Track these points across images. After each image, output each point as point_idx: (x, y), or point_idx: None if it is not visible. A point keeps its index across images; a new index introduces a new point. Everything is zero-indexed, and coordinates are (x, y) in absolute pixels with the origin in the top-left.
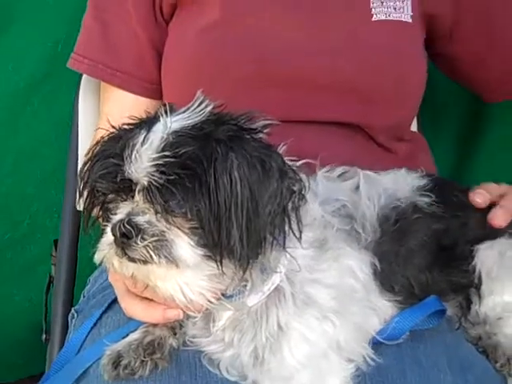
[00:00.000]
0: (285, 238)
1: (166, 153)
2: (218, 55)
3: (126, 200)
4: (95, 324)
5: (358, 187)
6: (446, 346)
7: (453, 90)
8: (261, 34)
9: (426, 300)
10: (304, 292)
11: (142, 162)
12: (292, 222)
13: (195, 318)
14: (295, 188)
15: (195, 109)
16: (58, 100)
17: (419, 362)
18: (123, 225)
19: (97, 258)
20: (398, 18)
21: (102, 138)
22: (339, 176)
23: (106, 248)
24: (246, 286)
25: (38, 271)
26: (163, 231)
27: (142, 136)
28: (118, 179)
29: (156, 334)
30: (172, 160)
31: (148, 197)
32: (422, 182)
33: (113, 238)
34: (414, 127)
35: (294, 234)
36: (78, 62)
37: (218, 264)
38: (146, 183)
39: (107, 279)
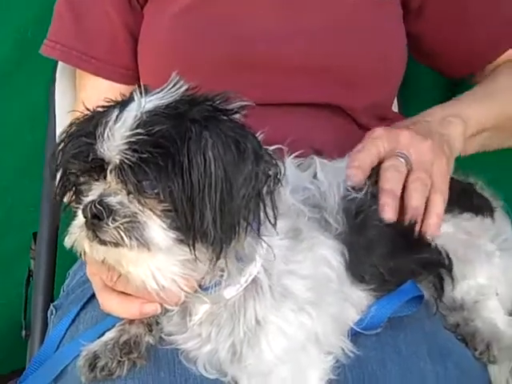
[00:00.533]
0: (259, 224)
1: (139, 130)
2: (192, 39)
3: (97, 180)
4: (74, 320)
5: (316, 175)
6: (425, 334)
7: (432, 72)
8: (234, 17)
9: (403, 286)
10: (281, 284)
11: (114, 140)
12: (267, 207)
13: (171, 313)
14: (271, 172)
15: (170, 89)
16: (30, 88)
17: (399, 350)
18: (94, 205)
19: (67, 241)
20: None
21: (76, 119)
22: (298, 166)
23: (76, 231)
24: (222, 277)
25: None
26: (135, 213)
27: (115, 114)
28: (90, 158)
29: (132, 332)
30: (145, 138)
31: (120, 176)
32: None
33: (84, 220)
34: (395, 109)
35: (269, 221)
36: (50, 49)
37: (191, 248)
38: (117, 161)
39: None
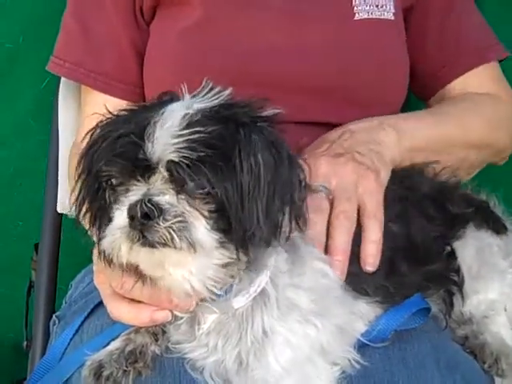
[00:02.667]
0: (281, 231)
1: (196, 129)
2: (199, 55)
3: (139, 181)
4: (77, 331)
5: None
6: (433, 346)
7: None
8: (241, 34)
9: (410, 299)
10: (286, 297)
11: (167, 139)
12: (299, 213)
13: (179, 322)
14: (301, 177)
15: (205, 94)
16: (18, 99)
17: (406, 362)
18: (145, 204)
19: (105, 245)
20: (380, 16)
21: (100, 123)
22: None
23: (116, 233)
24: (232, 285)
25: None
26: (183, 213)
27: (163, 114)
28: (137, 157)
29: (138, 342)
30: (201, 136)
31: (176, 174)
32: None
33: (127, 220)
34: None
35: (300, 227)
36: (58, 66)
37: (238, 249)
38: (175, 160)
39: (89, 284)
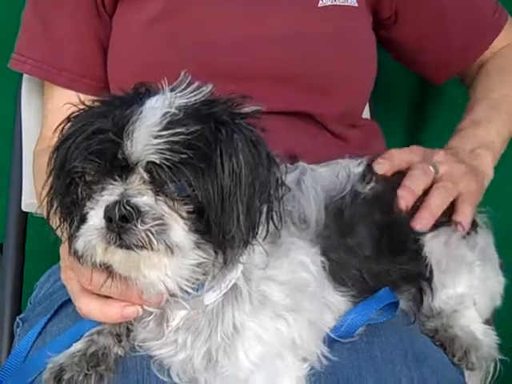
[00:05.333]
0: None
1: (178, 129)
2: (162, 48)
3: (116, 180)
4: (40, 333)
5: (299, 180)
6: (401, 339)
7: (404, 77)
8: (204, 26)
9: (379, 293)
10: (259, 290)
11: (148, 139)
12: (275, 211)
13: (147, 319)
14: (278, 176)
15: (184, 89)
16: None
17: (374, 356)
18: (123, 206)
19: (78, 246)
20: (343, 3)
21: (72, 115)
22: None
23: (92, 233)
24: (203, 282)
25: None
26: (162, 215)
27: (143, 111)
28: (118, 156)
29: (100, 344)
30: (183, 137)
31: (157, 176)
32: (360, 168)
33: (104, 221)
34: (366, 115)
35: (275, 226)
36: (20, 63)
37: (212, 251)
38: (157, 161)
39: (54, 284)
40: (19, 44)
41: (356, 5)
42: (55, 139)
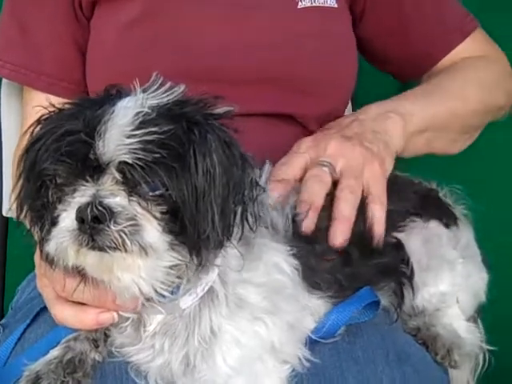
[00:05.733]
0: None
1: (151, 129)
2: (139, 52)
3: (87, 181)
4: (19, 339)
5: (266, 181)
6: (383, 339)
7: (386, 77)
8: (182, 30)
9: (359, 292)
10: (236, 293)
11: (120, 138)
12: (249, 213)
13: (124, 324)
14: (252, 176)
15: (156, 90)
16: None
17: (356, 357)
18: (95, 207)
19: (50, 247)
20: (323, 4)
21: (42, 117)
22: None
23: (63, 235)
24: (179, 286)
25: None
26: (135, 215)
27: (115, 111)
28: (90, 156)
29: (77, 350)
30: (156, 137)
31: (130, 176)
32: None
33: (75, 223)
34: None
35: (250, 227)
36: None
37: (187, 252)
38: (129, 161)
39: (34, 289)
40: None
41: (335, 5)
42: (25, 142)
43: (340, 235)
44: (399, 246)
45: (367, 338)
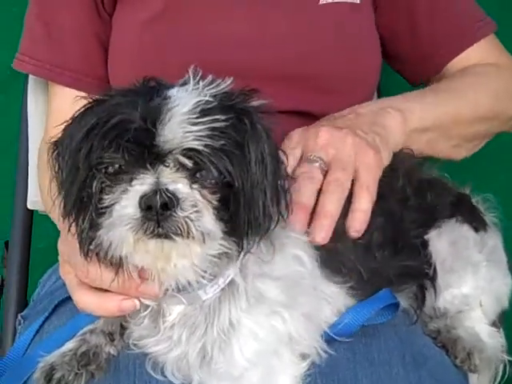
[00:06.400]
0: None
1: (215, 116)
2: (163, 46)
3: (147, 169)
4: (38, 331)
5: None
6: (400, 341)
7: None
8: (207, 24)
9: (379, 293)
10: (255, 287)
11: (186, 126)
12: (283, 201)
13: (142, 314)
14: (286, 166)
15: (197, 83)
16: None
17: (371, 358)
18: (164, 193)
19: (100, 238)
20: (345, 0)
21: (87, 107)
22: None
23: (127, 223)
24: (203, 276)
25: None
26: (197, 202)
27: (175, 100)
28: (153, 144)
29: (92, 343)
30: (219, 125)
31: (200, 162)
32: None
33: (139, 210)
34: None
35: (283, 217)
36: (23, 63)
37: (236, 240)
38: (199, 147)
39: (55, 282)
40: (22, 45)
41: (358, 1)
42: (59, 134)
43: (320, 231)
44: (425, 247)
45: (384, 339)
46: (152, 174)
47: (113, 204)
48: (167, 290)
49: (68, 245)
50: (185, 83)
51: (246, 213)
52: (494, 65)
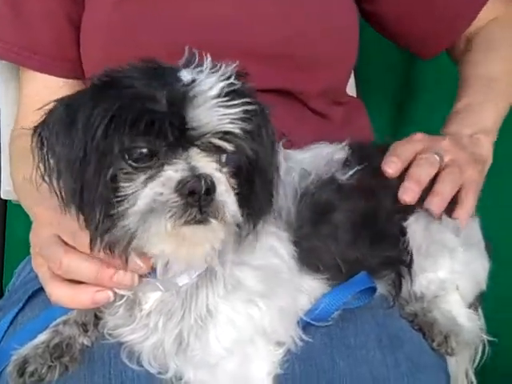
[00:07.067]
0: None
1: (243, 99)
2: (130, 27)
3: (178, 155)
4: (12, 322)
5: None
6: (377, 324)
7: (391, 51)
8: (186, 4)
9: (356, 277)
10: (233, 275)
11: (219, 110)
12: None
13: (117, 304)
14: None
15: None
16: None
17: (348, 342)
18: (207, 179)
19: (126, 227)
20: None
21: (89, 90)
22: None
23: (164, 210)
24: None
25: None
26: (228, 186)
27: (200, 83)
28: (186, 127)
29: (65, 334)
30: (244, 109)
31: (238, 144)
32: (342, 154)
33: (177, 196)
34: (352, 92)
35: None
36: None
37: (257, 222)
38: (235, 130)
39: (30, 272)
40: None
41: None
42: (37, 118)
43: (434, 206)
44: (404, 234)
45: (360, 323)
46: (183, 159)
47: (134, 192)
48: (143, 277)
49: (40, 236)
50: (187, 64)
51: (265, 195)
52: (504, 18)
